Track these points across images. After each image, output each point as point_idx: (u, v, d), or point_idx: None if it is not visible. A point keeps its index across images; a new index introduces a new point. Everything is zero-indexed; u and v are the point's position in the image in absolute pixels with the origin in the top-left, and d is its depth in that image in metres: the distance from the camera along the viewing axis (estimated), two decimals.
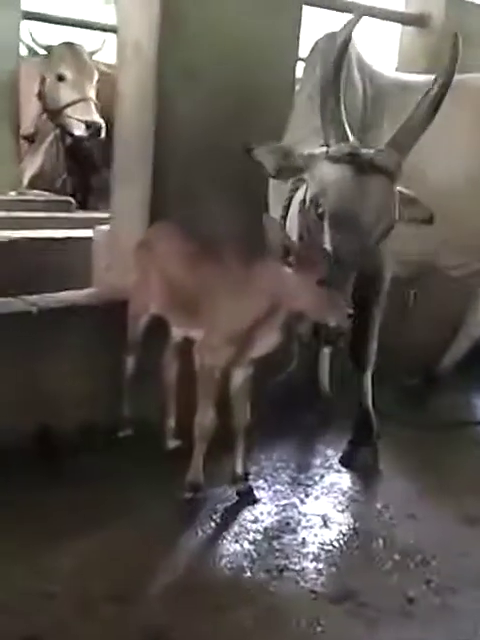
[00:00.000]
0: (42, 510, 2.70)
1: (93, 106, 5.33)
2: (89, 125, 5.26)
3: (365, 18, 3.14)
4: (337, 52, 2.69)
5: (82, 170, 6.00)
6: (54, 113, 5.46)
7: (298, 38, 3.71)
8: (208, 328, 2.79)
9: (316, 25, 4.07)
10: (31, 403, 3.06)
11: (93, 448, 3.07)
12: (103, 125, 5.28)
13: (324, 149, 2.68)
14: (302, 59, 3.68)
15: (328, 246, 2.56)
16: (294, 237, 2.75)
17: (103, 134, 5.32)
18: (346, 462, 3.38)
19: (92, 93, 5.37)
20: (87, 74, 5.38)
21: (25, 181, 5.86)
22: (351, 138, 2.65)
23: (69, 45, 5.46)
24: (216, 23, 3.34)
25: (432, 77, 2.63)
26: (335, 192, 2.58)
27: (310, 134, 2.94)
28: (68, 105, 5.34)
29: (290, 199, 2.96)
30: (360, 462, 3.37)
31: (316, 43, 3.33)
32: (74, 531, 2.60)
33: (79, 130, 5.33)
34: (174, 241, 3.04)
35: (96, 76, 5.42)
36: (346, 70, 3.07)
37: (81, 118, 5.28)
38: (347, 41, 2.71)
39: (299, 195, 2.84)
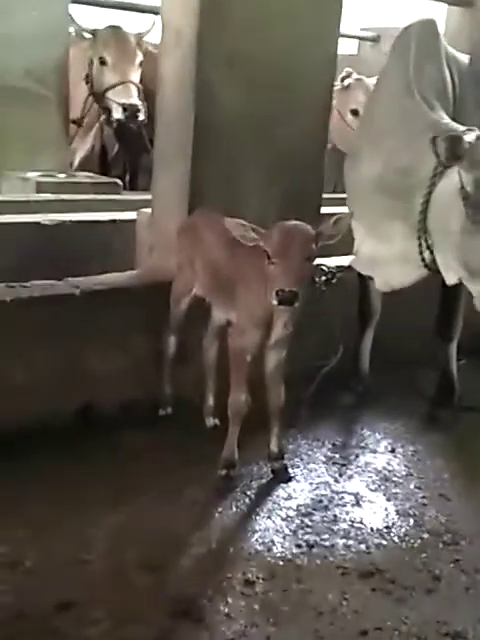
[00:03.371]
0: (81, 482, 2.84)
1: (133, 89, 5.37)
2: (126, 108, 5.31)
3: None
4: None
5: (131, 151, 6.09)
6: (98, 96, 5.55)
7: (340, 18, 3.71)
8: (238, 312, 2.88)
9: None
10: (75, 382, 3.18)
11: (134, 425, 3.20)
12: (141, 108, 5.32)
13: (476, 132, 2.83)
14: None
15: None
16: (454, 224, 2.87)
17: (143, 116, 5.37)
18: (427, 422, 3.62)
19: (134, 76, 5.41)
20: (129, 57, 5.42)
21: (76, 163, 5.99)
22: None
23: (112, 28, 5.52)
24: (256, 9, 3.37)
25: None
26: None
27: (417, 122, 3.00)
28: (109, 88, 5.40)
29: (430, 191, 3.03)
30: (442, 421, 3.62)
31: (406, 30, 3.40)
32: (110, 503, 2.72)
33: (117, 113, 5.39)
34: (216, 226, 3.10)
35: (139, 59, 5.46)
36: (438, 56, 3.26)
37: (119, 101, 5.34)
38: None
39: (451, 182, 2.93)
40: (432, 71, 3.31)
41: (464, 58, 3.52)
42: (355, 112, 5.58)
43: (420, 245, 3.15)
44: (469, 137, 2.87)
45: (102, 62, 5.46)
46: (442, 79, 3.33)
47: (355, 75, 5.69)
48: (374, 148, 3.37)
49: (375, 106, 3.61)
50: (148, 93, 5.31)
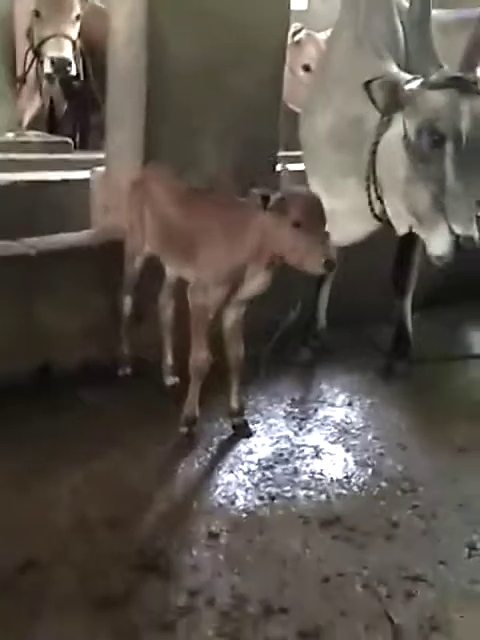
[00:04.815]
0: (41, 441, 2.84)
1: (65, 42, 5.18)
2: (54, 61, 5.16)
3: None
4: None
5: (81, 109, 5.97)
6: (35, 51, 5.39)
7: None
8: (199, 268, 2.86)
9: None
10: (32, 342, 3.16)
11: (93, 384, 3.19)
12: (72, 62, 5.18)
13: (421, 79, 2.84)
14: None
15: (450, 172, 2.73)
16: (399, 173, 2.90)
17: (74, 71, 5.22)
18: (383, 374, 3.67)
19: (68, 29, 5.23)
20: (63, 10, 5.23)
21: (25, 122, 5.85)
22: (445, 65, 2.79)
23: None
24: None
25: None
26: (451, 115, 2.75)
27: (366, 73, 2.97)
28: (43, 42, 5.24)
29: (377, 140, 3.04)
30: (398, 373, 3.69)
31: None
32: (72, 461, 2.73)
33: (47, 67, 5.24)
34: (167, 181, 3.08)
35: (75, 12, 5.29)
36: (387, 7, 3.27)
37: (49, 54, 5.18)
38: None
39: (396, 132, 2.93)
40: (382, 22, 3.30)
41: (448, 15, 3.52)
42: (307, 68, 5.54)
43: (370, 196, 3.17)
44: (411, 84, 2.88)
45: (37, 15, 5.29)
46: (392, 30, 3.32)
47: (305, 30, 5.64)
48: (326, 101, 3.37)
49: (327, 60, 3.60)
50: (95, 49, 5.18)
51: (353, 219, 3.27)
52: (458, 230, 2.75)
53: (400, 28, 3.34)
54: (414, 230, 3.04)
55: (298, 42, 5.52)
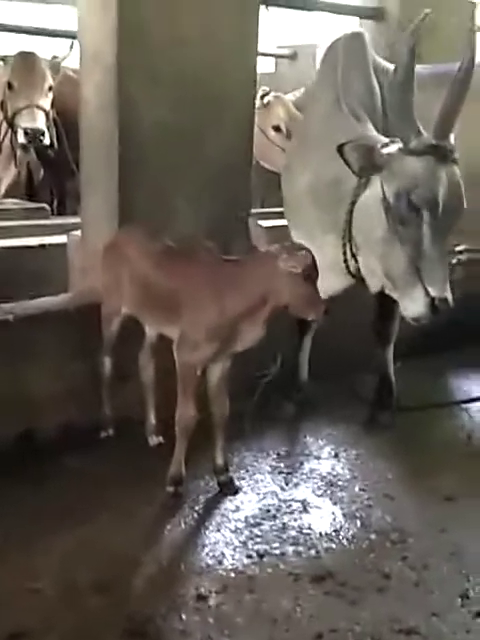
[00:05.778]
0: (25, 510, 2.79)
1: (38, 113, 5.28)
2: (27, 132, 5.26)
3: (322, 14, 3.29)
4: (408, 54, 2.81)
5: (57, 176, 6.04)
6: (9, 122, 5.49)
7: (257, 36, 3.77)
8: (187, 326, 2.85)
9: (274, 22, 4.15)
10: (12, 407, 3.13)
11: (76, 448, 3.16)
12: (44, 131, 5.28)
13: (400, 145, 2.90)
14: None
15: (427, 236, 2.82)
16: (376, 234, 2.96)
17: (48, 141, 5.32)
18: (368, 425, 3.68)
19: (40, 100, 5.35)
20: (35, 82, 5.36)
21: (2, 190, 5.91)
22: (424, 132, 2.85)
23: (20, 54, 5.47)
24: (175, 27, 3.40)
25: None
26: (428, 183, 2.83)
27: (343, 135, 3.05)
28: (16, 113, 5.35)
29: (354, 200, 3.09)
30: (382, 423, 3.70)
31: (334, 44, 3.47)
32: (57, 529, 2.68)
33: (20, 137, 5.34)
34: (143, 242, 3.11)
35: (48, 83, 5.41)
36: (365, 69, 3.37)
37: (22, 125, 5.29)
38: (414, 45, 2.81)
39: (373, 193, 2.99)
40: (360, 84, 3.39)
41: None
42: (277, 128, 5.66)
43: (345, 253, 3.22)
44: (389, 148, 2.96)
45: (10, 87, 5.41)
46: (370, 91, 3.41)
47: (273, 93, 5.80)
48: (305, 161, 3.44)
49: (306, 120, 3.67)
50: (70, 117, 5.27)
51: (332, 273, 3.30)
52: (434, 293, 2.82)
53: (377, 88, 3.43)
54: (387, 291, 3.08)
55: (267, 104, 5.66)
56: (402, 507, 3.03)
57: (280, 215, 3.82)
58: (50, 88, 5.40)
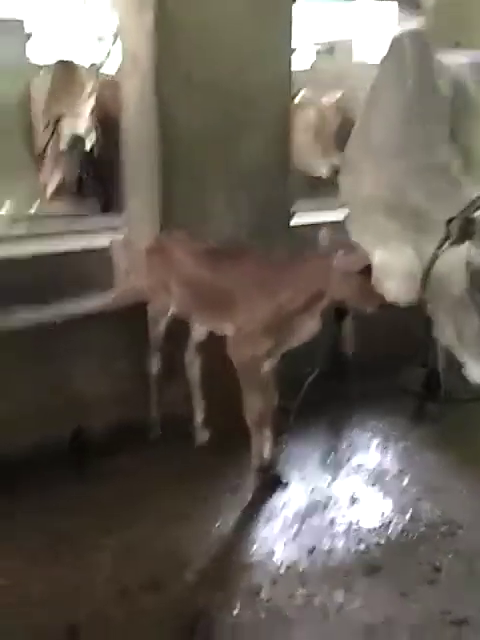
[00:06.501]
0: (77, 508, 2.86)
1: (77, 120, 5.45)
2: (69, 138, 5.39)
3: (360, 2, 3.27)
4: None
5: (104, 177, 6.13)
6: (51, 129, 5.62)
7: (291, 34, 3.76)
8: (243, 322, 2.88)
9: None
10: (62, 408, 3.20)
11: (126, 448, 3.20)
12: (84, 137, 5.39)
13: None
14: None
15: None
16: (454, 291, 3.00)
17: (89, 146, 5.44)
18: (416, 417, 3.65)
19: (81, 106, 5.47)
20: (75, 89, 5.49)
21: (48, 194, 6.03)
22: None
23: (60, 62, 5.59)
24: (210, 27, 3.41)
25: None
26: None
27: (411, 147, 3.12)
28: (58, 119, 5.47)
29: (436, 255, 3.05)
30: (430, 415, 3.67)
31: (398, 42, 3.41)
32: (108, 527, 2.74)
33: (63, 144, 5.47)
34: (187, 244, 3.14)
35: (87, 90, 5.52)
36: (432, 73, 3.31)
37: (65, 132, 5.41)
38: None
39: (458, 253, 2.99)
40: (430, 91, 3.34)
41: (459, 59, 3.53)
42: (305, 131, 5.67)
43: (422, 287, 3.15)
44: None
45: (52, 95, 5.53)
46: (440, 96, 3.33)
47: (303, 93, 5.81)
48: (377, 168, 3.42)
49: (371, 121, 3.62)
50: (112, 118, 5.36)
51: (403, 282, 3.23)
52: None
53: (445, 89, 3.34)
54: (451, 349, 3.13)
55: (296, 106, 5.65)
56: (451, 499, 3.01)
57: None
58: (90, 94, 5.51)
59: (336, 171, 5.15)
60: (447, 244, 3.02)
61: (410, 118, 3.29)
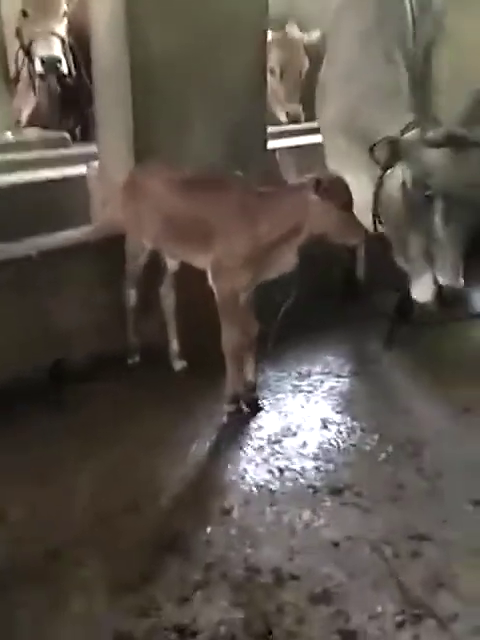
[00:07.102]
0: (58, 434, 2.97)
1: (53, 40, 5.23)
2: (44, 60, 5.22)
3: None
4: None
5: (79, 102, 6.02)
6: (25, 50, 5.45)
7: None
8: (221, 254, 2.91)
9: None
10: (42, 340, 3.27)
11: (105, 376, 3.30)
12: (61, 59, 5.23)
13: (418, 135, 2.96)
14: None
15: (440, 226, 2.89)
16: (395, 216, 3.04)
17: (65, 68, 5.28)
18: (388, 341, 3.73)
19: (56, 27, 5.28)
20: (49, 8, 5.30)
21: (23, 120, 5.93)
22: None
23: None
24: None
25: None
26: (442, 174, 2.88)
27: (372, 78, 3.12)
28: (32, 41, 5.31)
29: (381, 180, 3.12)
30: (401, 340, 3.74)
31: None
32: (88, 452, 2.86)
33: (37, 66, 5.31)
34: (164, 175, 3.13)
35: (62, 9, 5.34)
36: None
37: (38, 54, 5.24)
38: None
39: (396, 176, 3.03)
40: (390, 10, 3.33)
41: None
42: (271, 71, 5.45)
43: (375, 215, 3.23)
44: (410, 137, 2.98)
45: (24, 14, 5.35)
46: (404, 24, 3.32)
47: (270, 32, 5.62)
48: (339, 92, 3.43)
49: (338, 43, 3.59)
50: (87, 42, 5.22)
51: (361, 214, 3.32)
52: (443, 281, 2.89)
53: (410, 18, 3.34)
54: (400, 265, 3.16)
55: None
56: (420, 420, 3.15)
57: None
58: (65, 14, 5.34)
59: (295, 120, 5.14)
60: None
61: (369, 39, 3.28)
